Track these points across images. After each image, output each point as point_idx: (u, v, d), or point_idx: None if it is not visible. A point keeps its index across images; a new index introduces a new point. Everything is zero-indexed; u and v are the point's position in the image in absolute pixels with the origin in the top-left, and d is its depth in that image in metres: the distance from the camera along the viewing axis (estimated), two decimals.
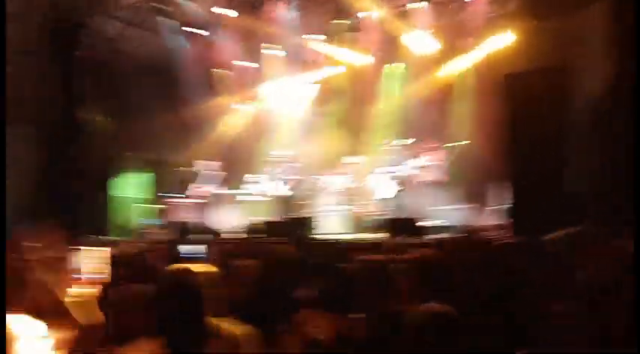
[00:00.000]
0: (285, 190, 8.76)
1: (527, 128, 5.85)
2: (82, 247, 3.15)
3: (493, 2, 9.58)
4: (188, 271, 2.89)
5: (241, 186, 10.38)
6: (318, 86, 11.72)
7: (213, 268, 3.12)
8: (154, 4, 9.68)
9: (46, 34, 9.39)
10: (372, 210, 9.03)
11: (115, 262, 3.24)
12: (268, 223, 8.00)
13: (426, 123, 9.17)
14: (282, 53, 11.47)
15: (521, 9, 8.27)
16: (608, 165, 5.72)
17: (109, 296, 2.41)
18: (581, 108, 6.86)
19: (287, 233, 6.60)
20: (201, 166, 9.48)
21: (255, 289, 3.20)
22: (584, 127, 6.71)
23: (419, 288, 2.79)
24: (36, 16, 9.43)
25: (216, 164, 9.60)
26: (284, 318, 2.65)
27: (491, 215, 8.04)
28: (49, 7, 9.42)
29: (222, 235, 8.15)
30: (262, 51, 11.45)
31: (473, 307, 2.04)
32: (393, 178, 7.77)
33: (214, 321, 2.14)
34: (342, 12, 10.00)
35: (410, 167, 7.69)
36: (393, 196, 7.82)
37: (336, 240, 6.50)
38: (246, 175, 10.30)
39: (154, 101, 10.48)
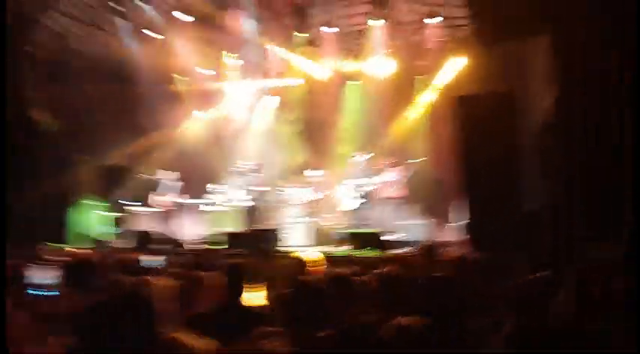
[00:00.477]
0: (248, 201, 8.67)
1: (478, 148, 6.08)
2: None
3: (447, 27, 9.95)
4: (144, 281, 2.81)
5: (204, 196, 10.23)
6: (278, 97, 11.82)
7: (171, 281, 3.05)
8: (109, 3, 9.48)
9: None
10: (336, 223, 9.08)
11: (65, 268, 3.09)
12: (231, 235, 7.89)
13: (385, 139, 9.38)
14: (241, 62, 11.46)
15: (473, 34, 8.64)
16: (558, 183, 6.00)
17: None
18: (529, 129, 7.21)
19: (250, 245, 6.53)
20: (162, 174, 9.28)
21: (217, 302, 3.15)
22: (532, 148, 7.06)
23: (383, 302, 2.82)
24: None
25: (175, 173, 9.43)
26: (245, 332, 2.61)
27: (451, 231, 8.23)
28: None
29: (184, 246, 7.98)
30: (222, 59, 11.40)
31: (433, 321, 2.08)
32: (356, 191, 7.85)
33: (172, 334, 2.08)
34: (302, 25, 10.14)
35: (372, 181, 7.80)
36: (356, 209, 7.89)
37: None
38: (209, 185, 10.16)
39: (109, 104, 10.25)
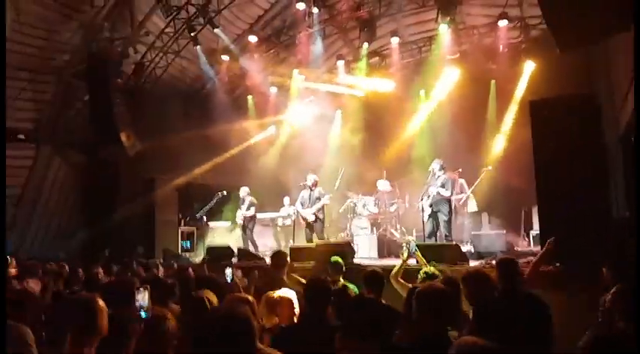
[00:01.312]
0: (317, 214, 8.84)
1: (552, 154, 5.80)
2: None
3: (521, 28, 9.61)
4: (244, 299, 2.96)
5: (278, 210, 10.59)
6: (342, 111, 11.99)
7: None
8: (189, 32, 10.15)
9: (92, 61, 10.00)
10: (405, 234, 9.04)
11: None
12: (302, 249, 8.05)
13: (455, 148, 9.22)
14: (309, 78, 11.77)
15: (545, 38, 8.28)
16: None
17: None
18: (608, 135, 6.78)
19: (325, 259, 6.63)
20: (242, 190, 9.71)
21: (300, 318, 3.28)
22: (611, 155, 6.62)
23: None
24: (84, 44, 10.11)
25: (245, 188, 9.82)
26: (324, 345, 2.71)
27: (528, 240, 7.93)
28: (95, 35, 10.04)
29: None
30: (292, 76, 11.79)
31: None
32: (429, 202, 7.76)
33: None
34: (370, 37, 10.23)
35: (444, 192, 7.68)
36: (428, 220, 7.80)
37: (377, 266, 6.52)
38: (285, 199, 10.50)
39: (188, 126, 10.90)
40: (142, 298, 2.64)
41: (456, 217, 8.76)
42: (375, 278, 3.78)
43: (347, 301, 3.31)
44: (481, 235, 7.85)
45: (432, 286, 2.71)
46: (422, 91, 11.21)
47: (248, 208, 9.51)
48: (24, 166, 10.92)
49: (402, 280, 4.26)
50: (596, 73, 7.79)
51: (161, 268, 5.88)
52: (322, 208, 8.82)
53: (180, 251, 10.09)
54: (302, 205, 8.84)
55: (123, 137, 10.11)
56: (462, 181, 9.16)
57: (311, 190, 8.83)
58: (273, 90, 12.19)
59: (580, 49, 7.07)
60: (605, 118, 6.45)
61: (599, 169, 5.70)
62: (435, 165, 7.70)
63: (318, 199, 8.71)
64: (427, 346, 2.13)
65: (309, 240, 8.68)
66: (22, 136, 10.49)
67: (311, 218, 8.68)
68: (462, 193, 9.08)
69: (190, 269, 4.75)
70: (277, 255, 4.86)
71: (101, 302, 2.31)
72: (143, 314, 2.61)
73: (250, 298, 3.07)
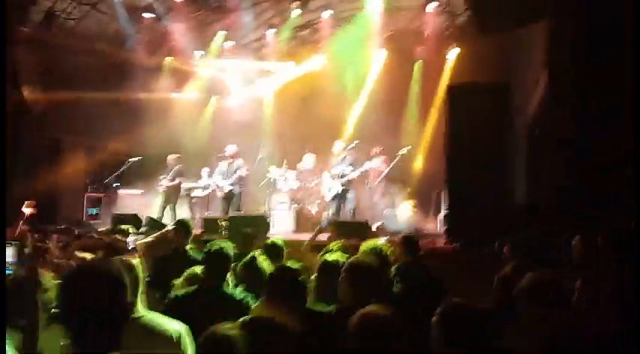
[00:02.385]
0: (238, 187, 8.70)
1: (466, 138, 6.06)
2: None
3: (445, 13, 9.86)
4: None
5: (196, 180, 10.24)
6: (273, 84, 11.78)
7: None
8: None
9: None
10: (321, 210, 9.13)
11: None
12: (209, 220, 7.90)
13: (372, 127, 9.40)
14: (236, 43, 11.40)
15: (469, 23, 8.56)
16: (545, 177, 5.99)
17: None
18: (520, 122, 7.19)
19: (236, 230, 6.53)
20: (171, 157, 9.27)
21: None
22: (521, 141, 7.04)
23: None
24: None
25: (177, 155, 9.41)
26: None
27: (433, 221, 8.31)
28: None
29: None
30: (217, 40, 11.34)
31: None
32: (342, 179, 7.91)
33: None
34: (302, 8, 10.05)
35: (358, 170, 7.86)
36: (341, 197, 7.95)
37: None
38: (204, 170, 10.16)
39: (99, 83, 10.18)
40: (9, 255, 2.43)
41: (372, 196, 8.98)
42: (274, 248, 3.76)
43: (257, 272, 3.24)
44: (391, 215, 8.13)
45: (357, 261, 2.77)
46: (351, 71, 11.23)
47: (174, 178, 9.12)
48: None
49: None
50: (514, 61, 8.19)
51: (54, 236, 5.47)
52: (241, 181, 8.68)
53: (84, 218, 9.50)
54: (221, 176, 8.63)
55: (26, 91, 9.24)
56: (381, 158, 9.34)
57: (231, 161, 8.64)
58: (198, 54, 11.65)
59: (501, 36, 7.37)
60: (515, 106, 6.82)
61: (500, 156, 6.03)
62: (340, 145, 7.82)
63: (237, 171, 8.55)
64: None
65: (226, 212, 8.54)
66: None
67: (227, 189, 8.52)
68: (380, 172, 9.26)
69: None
70: (181, 224, 4.67)
71: None
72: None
73: (134, 261, 2.91)
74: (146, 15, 10.42)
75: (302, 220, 8.86)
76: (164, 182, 9.16)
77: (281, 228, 8.69)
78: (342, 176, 7.87)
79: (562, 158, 5.73)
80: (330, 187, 7.95)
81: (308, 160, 9.89)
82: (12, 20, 9.08)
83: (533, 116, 7.11)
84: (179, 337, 2.16)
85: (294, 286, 2.65)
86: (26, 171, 9.34)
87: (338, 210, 7.78)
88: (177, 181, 9.18)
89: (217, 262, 3.07)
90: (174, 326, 2.21)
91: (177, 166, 9.23)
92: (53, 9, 9.93)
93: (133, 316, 2.17)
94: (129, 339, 1.68)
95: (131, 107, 10.74)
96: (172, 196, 9.19)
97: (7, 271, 2.42)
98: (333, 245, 3.80)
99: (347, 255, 3.21)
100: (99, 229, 7.82)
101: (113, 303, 1.61)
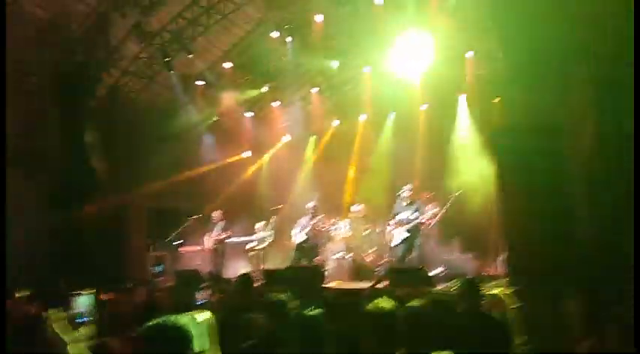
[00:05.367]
0: (297, 238, 8.95)
1: (517, 180, 5.96)
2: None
3: (485, 58, 9.99)
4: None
5: (250, 234, 10.53)
6: (315, 137, 12.18)
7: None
8: (163, 58, 10.25)
9: (58, 84, 9.95)
10: (377, 258, 9.09)
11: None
12: (272, 272, 8.04)
13: (421, 172, 9.42)
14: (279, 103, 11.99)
15: (508, 69, 8.59)
16: (606, 216, 5.77)
17: None
18: (571, 163, 7.01)
19: (293, 283, 6.64)
20: (215, 214, 9.68)
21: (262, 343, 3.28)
22: (575, 181, 6.83)
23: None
24: (49, 66, 10.05)
25: (219, 211, 9.80)
26: None
27: (496, 264, 8.06)
28: (62, 57, 10.02)
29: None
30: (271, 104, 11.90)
31: None
32: (407, 225, 7.92)
33: None
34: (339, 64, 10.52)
35: (414, 216, 7.83)
36: (400, 244, 7.91)
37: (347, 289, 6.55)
38: (257, 225, 10.47)
39: (162, 150, 10.86)
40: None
41: (427, 241, 8.88)
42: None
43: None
44: (450, 259, 7.97)
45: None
46: (391, 115, 11.45)
47: (220, 232, 9.46)
48: None
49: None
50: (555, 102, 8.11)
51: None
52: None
53: (149, 276, 9.90)
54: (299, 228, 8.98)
55: (94, 161, 10.01)
56: (432, 205, 9.30)
57: (312, 216, 8.96)
58: (248, 115, 12.30)
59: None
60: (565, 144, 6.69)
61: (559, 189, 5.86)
62: (406, 191, 7.86)
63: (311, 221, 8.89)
64: None
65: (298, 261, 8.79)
66: None
67: (300, 239, 8.81)
68: (433, 217, 9.20)
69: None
70: (243, 278, 4.84)
71: None
72: None
73: (203, 315, 3.10)
74: (198, 83, 11.18)
75: (358, 269, 8.84)
76: (211, 237, 9.49)
77: (336, 277, 8.70)
78: (408, 222, 7.85)
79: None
80: (395, 234, 7.93)
81: (357, 209, 10.01)
82: (82, 97, 10.07)
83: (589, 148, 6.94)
84: None
85: None
86: (94, 233, 9.97)
87: (403, 257, 7.72)
88: (223, 235, 9.49)
89: (276, 314, 3.18)
90: None
91: (222, 222, 9.56)
92: (116, 84, 10.90)
93: None
94: None
95: (186, 167, 11.36)
96: (220, 250, 9.48)
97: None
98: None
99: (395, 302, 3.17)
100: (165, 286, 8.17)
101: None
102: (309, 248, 8.88)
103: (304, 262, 8.64)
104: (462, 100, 10.48)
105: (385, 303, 2.98)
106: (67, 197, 10.69)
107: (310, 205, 9.21)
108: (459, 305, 3.93)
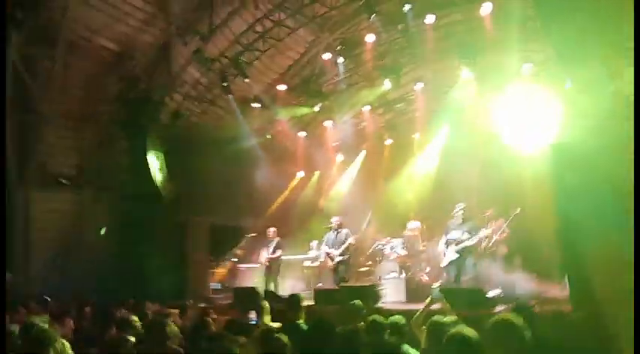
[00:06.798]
0: (347, 256, 8.90)
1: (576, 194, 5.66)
2: None
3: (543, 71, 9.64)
4: None
5: (305, 252, 10.65)
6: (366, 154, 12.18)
7: None
8: (222, 82, 10.70)
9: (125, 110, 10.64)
10: (433, 278, 8.89)
11: None
12: (325, 291, 8.05)
13: (477, 190, 9.15)
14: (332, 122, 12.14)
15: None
16: None
17: None
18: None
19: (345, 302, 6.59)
20: (270, 231, 9.89)
21: None
22: None
23: None
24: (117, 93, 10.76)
25: (274, 230, 9.97)
26: None
27: (557, 285, 7.65)
28: (128, 85, 10.72)
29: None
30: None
31: None
32: (457, 247, 7.72)
33: None
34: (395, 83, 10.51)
35: (465, 237, 7.64)
36: (449, 265, 7.72)
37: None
38: (312, 242, 10.57)
39: (220, 170, 11.26)
40: None
41: (487, 261, 8.57)
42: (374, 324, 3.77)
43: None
44: (510, 280, 7.65)
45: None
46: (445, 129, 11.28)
47: (274, 250, 9.63)
48: (58, 210, 11.28)
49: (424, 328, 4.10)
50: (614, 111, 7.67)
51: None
52: (348, 250, 8.87)
53: (209, 293, 10.22)
54: (327, 247, 8.92)
55: (159, 182, 10.55)
56: (494, 222, 8.98)
57: (337, 232, 8.92)
58: (302, 134, 12.54)
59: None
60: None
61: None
62: (459, 210, 7.69)
63: (344, 241, 8.79)
64: None
65: (337, 283, 8.69)
66: (65, 181, 11.04)
67: (337, 259, 8.74)
68: (493, 235, 8.88)
69: None
70: (292, 298, 4.89)
71: None
72: None
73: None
74: (254, 105, 11.57)
75: (413, 289, 8.65)
76: (265, 255, 9.66)
77: (392, 297, 8.55)
78: (458, 243, 7.69)
79: None
80: (446, 254, 7.77)
81: (413, 226, 9.86)
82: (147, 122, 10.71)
83: None
84: None
85: None
86: (159, 249, 10.44)
87: (456, 277, 7.52)
88: (277, 253, 9.63)
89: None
90: None
91: (276, 239, 9.71)
92: (179, 108, 11.49)
93: None
94: None
95: (247, 189, 11.70)
96: (274, 268, 9.61)
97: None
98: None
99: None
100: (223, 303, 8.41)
101: None
102: (344, 267, 8.82)
103: (342, 282, 8.53)
104: None
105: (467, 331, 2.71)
106: (133, 215, 11.34)
107: (334, 220, 9.12)
108: None
